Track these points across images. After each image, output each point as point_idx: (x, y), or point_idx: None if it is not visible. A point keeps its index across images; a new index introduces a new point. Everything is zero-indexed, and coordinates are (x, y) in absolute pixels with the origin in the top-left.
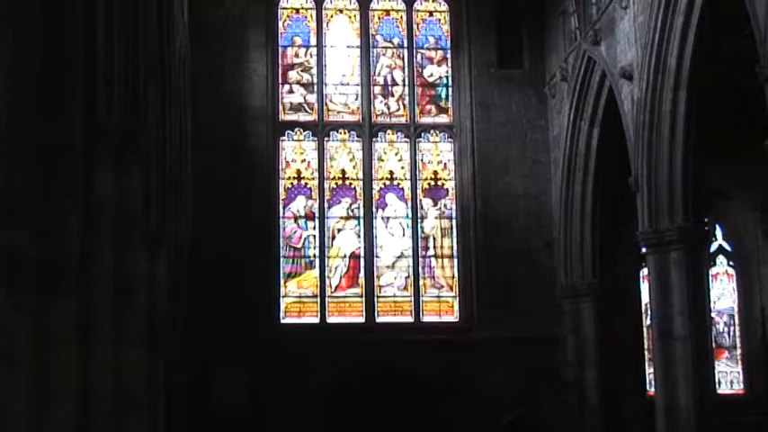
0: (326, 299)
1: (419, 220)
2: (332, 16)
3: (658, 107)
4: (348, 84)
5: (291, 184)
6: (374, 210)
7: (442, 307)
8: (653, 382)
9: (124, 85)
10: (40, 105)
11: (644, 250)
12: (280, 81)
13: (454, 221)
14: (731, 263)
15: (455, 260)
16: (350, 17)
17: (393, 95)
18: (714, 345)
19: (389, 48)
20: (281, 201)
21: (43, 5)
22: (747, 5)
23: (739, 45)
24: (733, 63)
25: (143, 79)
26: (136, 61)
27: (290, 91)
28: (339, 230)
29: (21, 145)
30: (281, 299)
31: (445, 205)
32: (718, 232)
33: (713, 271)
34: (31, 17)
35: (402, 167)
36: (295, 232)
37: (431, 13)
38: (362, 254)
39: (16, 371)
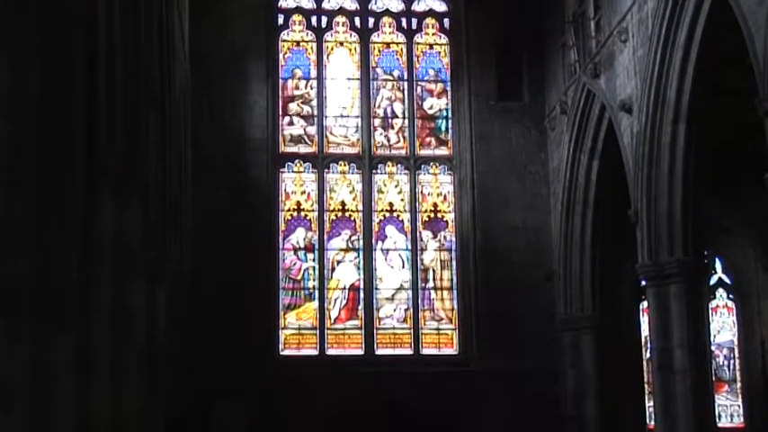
0: (326, 331)
1: (419, 253)
2: (332, 49)
3: (658, 140)
4: (348, 116)
5: (291, 215)
6: (374, 242)
7: (442, 339)
8: (653, 416)
9: (125, 117)
10: (41, 135)
11: (644, 283)
12: (280, 113)
13: (454, 254)
14: (731, 296)
15: (454, 292)
16: (350, 50)
17: (393, 128)
18: (714, 378)
19: (389, 80)
20: (280, 232)
21: (44, 34)
22: (746, 39)
23: (738, 78)
24: (732, 96)
25: (143, 110)
26: (137, 92)
27: (291, 123)
28: (339, 262)
29: (21, 174)
30: (280, 331)
31: (445, 237)
32: (718, 265)
33: (713, 304)
34: (31, 46)
35: (402, 199)
36: (294, 264)
37: (431, 46)
38: (362, 286)
39: (14, 402)
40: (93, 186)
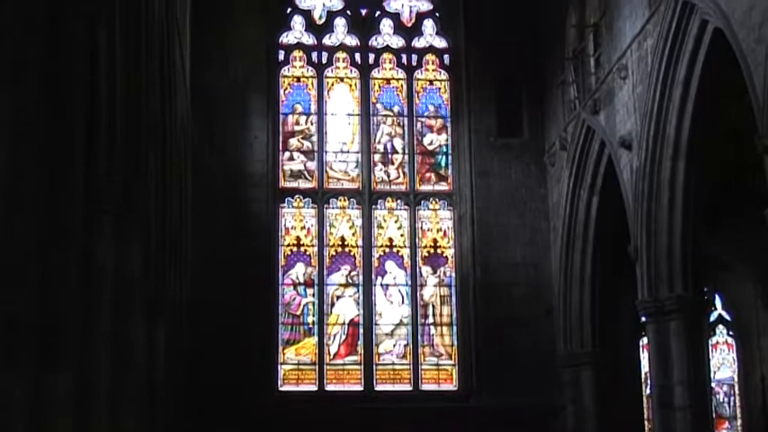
0: (325, 366)
1: (418, 288)
2: (333, 84)
3: (657, 176)
4: (348, 151)
5: (291, 250)
6: (373, 277)
7: (441, 375)
8: None
9: (125, 150)
10: (41, 170)
11: (644, 319)
12: (280, 148)
13: (453, 289)
14: (731, 333)
15: (454, 328)
16: (350, 85)
17: (393, 163)
18: (714, 415)
19: (390, 116)
20: (280, 267)
21: (45, 69)
22: (746, 76)
23: (738, 115)
24: (732, 133)
25: (144, 144)
26: (137, 126)
27: (291, 158)
28: (338, 297)
29: (21, 209)
30: (279, 366)
31: (445, 273)
32: (718, 302)
33: (713, 341)
34: (32, 80)
35: (401, 235)
36: (294, 299)
37: (431, 82)
38: (361, 321)
39: None
40: (93, 220)
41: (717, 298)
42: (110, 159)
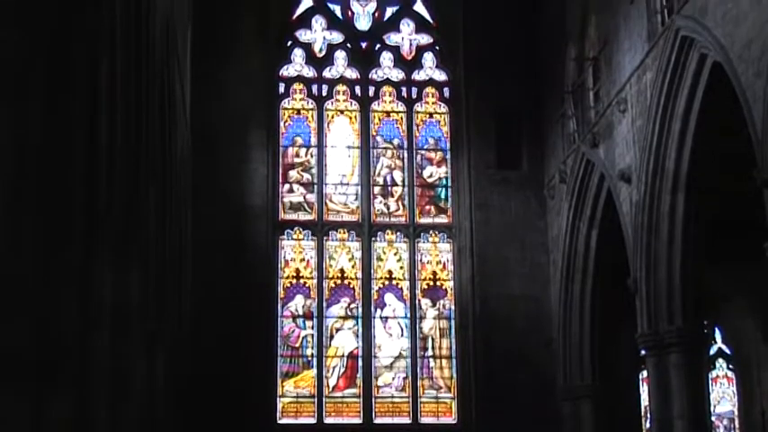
0: (324, 399)
1: (418, 321)
2: (333, 117)
3: (657, 209)
4: (348, 184)
5: (290, 282)
6: (373, 309)
7: (441, 408)
8: None
9: (125, 183)
10: (41, 203)
11: (643, 352)
12: (280, 180)
13: (453, 322)
14: (731, 366)
15: (453, 361)
16: (350, 118)
17: (393, 196)
18: None
19: (389, 148)
20: (279, 299)
21: (45, 102)
22: (744, 110)
23: (737, 149)
24: (731, 166)
25: (144, 177)
26: (137, 159)
27: (291, 190)
28: (337, 330)
29: (20, 241)
30: (278, 399)
31: (444, 305)
32: (718, 335)
33: (713, 374)
34: (32, 113)
35: (401, 267)
36: (293, 331)
37: (431, 115)
38: (360, 354)
39: None
40: (92, 254)
41: (717, 331)
42: (109, 192)
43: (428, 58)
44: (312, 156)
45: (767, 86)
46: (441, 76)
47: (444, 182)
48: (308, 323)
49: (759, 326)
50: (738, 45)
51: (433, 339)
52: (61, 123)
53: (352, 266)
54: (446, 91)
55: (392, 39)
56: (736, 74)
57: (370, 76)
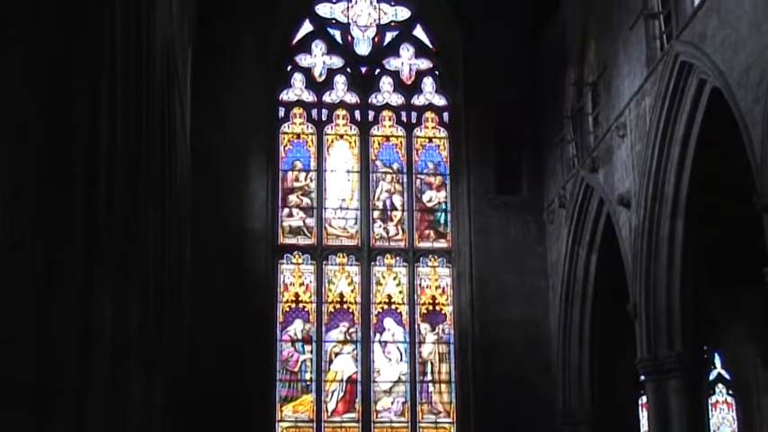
0: (323, 424)
1: (417, 345)
2: (332, 141)
3: (656, 235)
4: (347, 208)
5: (289, 307)
6: (372, 334)
7: None
8: None
9: (124, 208)
10: (40, 227)
11: (643, 378)
12: (280, 204)
13: (452, 346)
14: (731, 392)
15: (453, 386)
16: (350, 142)
17: (392, 220)
18: None
19: (389, 173)
20: (278, 324)
21: (45, 126)
22: (743, 135)
23: (736, 174)
24: (730, 191)
25: (144, 201)
26: (137, 183)
27: (290, 214)
28: (336, 354)
29: (19, 266)
30: (277, 423)
31: (443, 330)
32: (717, 361)
33: (713, 400)
34: (32, 138)
35: (400, 292)
36: (292, 356)
37: (430, 140)
38: (359, 378)
39: None
40: (91, 279)
41: (716, 357)
42: (109, 216)
43: (428, 83)
44: (312, 180)
45: (766, 112)
46: (440, 100)
47: (444, 206)
48: (307, 347)
49: (759, 351)
50: (737, 71)
51: (432, 364)
52: (60, 146)
53: (352, 291)
54: (445, 116)
55: (392, 63)
56: (735, 99)
57: (369, 100)
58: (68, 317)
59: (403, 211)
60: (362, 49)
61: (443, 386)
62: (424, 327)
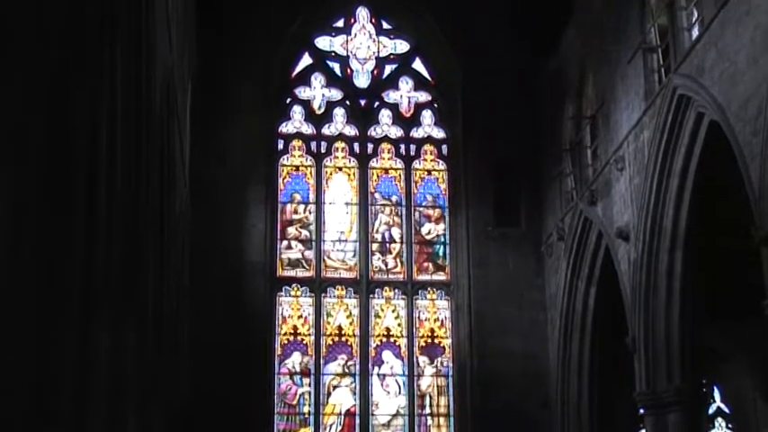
0: None
1: (415, 378)
2: (331, 174)
3: (655, 268)
4: (346, 240)
5: (288, 339)
6: (370, 367)
7: None
8: None
9: (123, 241)
10: (39, 255)
11: (642, 411)
12: (278, 237)
13: (451, 380)
14: (730, 425)
15: (451, 419)
16: (349, 175)
17: (391, 252)
18: None
19: (388, 205)
20: (276, 356)
21: (46, 156)
22: (742, 168)
23: (734, 207)
24: (729, 224)
25: (143, 234)
26: (136, 216)
27: (289, 247)
28: (335, 387)
29: (18, 295)
30: None
31: (442, 363)
32: (717, 394)
33: None
34: (31, 173)
35: (399, 324)
36: (290, 389)
37: (429, 172)
38: (358, 411)
39: None
40: (89, 314)
41: (716, 390)
42: (108, 250)
43: (426, 116)
44: (310, 212)
45: (764, 145)
46: (439, 133)
47: (442, 239)
48: (306, 380)
49: (758, 385)
50: (735, 104)
51: (430, 397)
52: (61, 176)
53: (350, 323)
54: (444, 148)
55: (391, 96)
56: (734, 132)
57: (368, 133)
58: (66, 347)
59: (402, 243)
60: (362, 81)
61: (442, 419)
62: (423, 359)
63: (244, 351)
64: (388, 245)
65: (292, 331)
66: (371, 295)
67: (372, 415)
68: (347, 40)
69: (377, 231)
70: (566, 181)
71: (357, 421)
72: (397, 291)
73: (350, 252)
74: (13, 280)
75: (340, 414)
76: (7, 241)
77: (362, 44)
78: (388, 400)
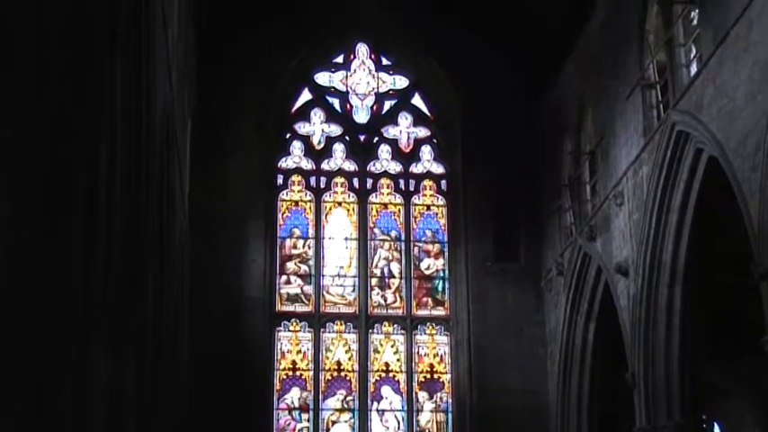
0: None
1: (414, 414)
2: (330, 209)
3: (654, 303)
4: (345, 275)
5: (286, 374)
6: (369, 402)
7: None
8: None
9: (122, 273)
10: (38, 284)
11: None
12: (278, 272)
13: (450, 415)
14: None
15: None
16: (348, 210)
17: (390, 287)
18: None
19: (387, 240)
20: (275, 391)
21: (44, 187)
22: (741, 204)
23: (734, 242)
24: (728, 260)
25: (142, 266)
26: (135, 249)
27: (288, 282)
28: (334, 423)
29: (16, 322)
30: None
31: (441, 398)
32: (717, 430)
33: None
34: (30, 205)
35: (398, 360)
36: (289, 424)
37: (428, 207)
38: None
39: None
40: (88, 342)
41: (716, 426)
42: (107, 280)
43: (426, 151)
44: (310, 247)
45: (763, 181)
46: (438, 168)
47: (442, 274)
48: (304, 416)
49: (758, 421)
50: (734, 140)
51: None
52: (60, 207)
53: (349, 358)
54: (444, 184)
55: (390, 132)
56: (732, 168)
57: (368, 168)
58: (64, 377)
59: (401, 278)
60: (361, 117)
61: None
62: (422, 395)
63: (242, 386)
64: (387, 280)
65: (291, 366)
66: (370, 330)
67: None
68: (347, 76)
69: (376, 266)
70: (565, 216)
71: None
72: (396, 326)
73: (349, 287)
74: (11, 308)
75: None
76: (7, 269)
77: (362, 80)
78: None
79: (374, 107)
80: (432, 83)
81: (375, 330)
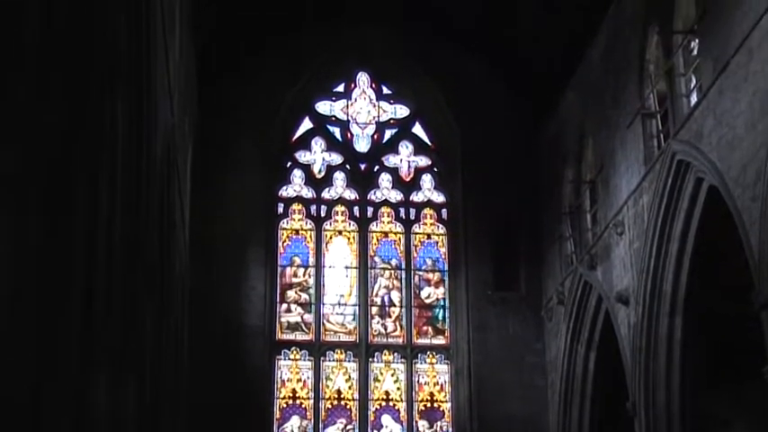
0: None
1: None
2: (331, 237)
3: (655, 332)
4: (345, 304)
5: (287, 403)
6: (369, 431)
7: None
8: None
9: (122, 302)
10: (37, 315)
11: None
12: (278, 300)
13: None
14: None
15: None
16: (349, 239)
17: (390, 316)
18: None
19: (387, 269)
20: (275, 420)
21: (43, 215)
22: (741, 233)
23: (734, 272)
24: (729, 289)
25: (141, 293)
26: (135, 275)
27: (288, 310)
28: None
29: (15, 355)
30: None
31: (441, 427)
32: None
33: None
34: (31, 228)
35: (398, 388)
36: None
37: (429, 236)
38: None
39: None
40: (87, 370)
41: None
42: (107, 308)
43: (426, 180)
44: (310, 276)
45: (763, 210)
46: (439, 197)
47: (442, 303)
48: None
49: None
50: (734, 170)
51: None
52: (60, 237)
53: (349, 387)
54: (444, 212)
55: (391, 161)
56: (733, 198)
57: (368, 197)
58: (64, 407)
59: (401, 307)
60: (362, 146)
61: None
62: (422, 424)
63: (242, 414)
64: (387, 308)
65: (291, 395)
66: (371, 359)
67: None
68: (347, 105)
69: (376, 295)
70: (565, 245)
71: None
72: (396, 354)
73: (349, 315)
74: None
75: None
76: (6, 304)
77: (363, 109)
78: None
79: (375, 136)
80: (432, 112)
81: (375, 359)
